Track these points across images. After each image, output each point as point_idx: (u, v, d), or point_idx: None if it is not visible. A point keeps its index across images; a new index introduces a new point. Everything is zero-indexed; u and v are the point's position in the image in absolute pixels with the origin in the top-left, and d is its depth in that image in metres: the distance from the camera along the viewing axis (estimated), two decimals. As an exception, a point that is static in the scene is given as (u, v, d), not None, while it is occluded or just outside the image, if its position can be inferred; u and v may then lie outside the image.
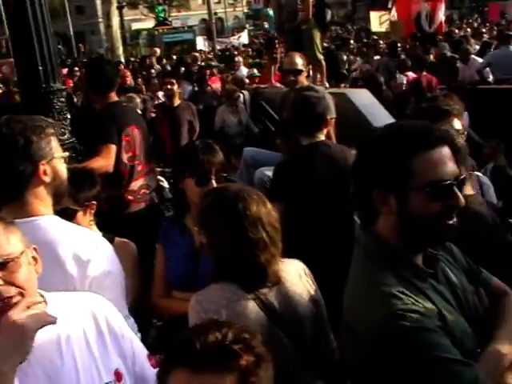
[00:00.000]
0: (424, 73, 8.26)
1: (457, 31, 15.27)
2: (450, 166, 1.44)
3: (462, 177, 1.47)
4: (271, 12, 8.80)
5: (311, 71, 7.59)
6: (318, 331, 1.97)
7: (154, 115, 7.26)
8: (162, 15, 21.47)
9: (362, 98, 7.28)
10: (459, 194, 1.44)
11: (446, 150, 1.45)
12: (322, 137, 3.32)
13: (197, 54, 14.86)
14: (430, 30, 13.02)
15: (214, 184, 2.49)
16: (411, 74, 8.69)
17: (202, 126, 6.71)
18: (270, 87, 7.49)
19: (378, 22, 15.93)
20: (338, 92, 7.57)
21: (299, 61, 4.62)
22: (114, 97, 3.99)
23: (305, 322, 1.92)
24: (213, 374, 1.13)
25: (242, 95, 8.27)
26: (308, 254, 2.16)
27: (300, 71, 4.58)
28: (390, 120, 6.14)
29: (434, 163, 1.42)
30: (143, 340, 1.85)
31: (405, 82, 8.68)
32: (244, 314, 1.81)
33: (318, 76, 7.57)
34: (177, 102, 6.46)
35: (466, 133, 3.00)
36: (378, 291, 1.39)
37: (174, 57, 17.18)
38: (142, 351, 1.65)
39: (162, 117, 6.50)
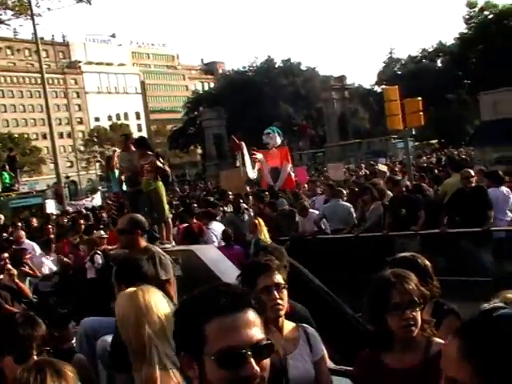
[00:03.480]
0: (194, 220, 9.76)
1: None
2: (246, 333, 1.33)
3: (263, 343, 1.35)
4: (116, 173, 8.97)
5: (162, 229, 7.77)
6: None
7: None
8: (8, 182, 20.93)
9: (210, 253, 7.46)
10: (253, 363, 1.32)
11: (245, 316, 1.35)
12: None
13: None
14: (275, 185, 14.42)
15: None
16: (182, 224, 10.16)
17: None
18: (118, 248, 7.45)
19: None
20: (185, 249, 7.71)
21: (130, 220, 4.60)
22: None
23: None
24: None
25: (99, 256, 8.15)
26: None
27: (127, 231, 4.51)
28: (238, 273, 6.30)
29: (226, 330, 1.32)
30: None
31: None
32: None
33: (165, 233, 7.69)
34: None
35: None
36: None
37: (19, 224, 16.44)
38: None
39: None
